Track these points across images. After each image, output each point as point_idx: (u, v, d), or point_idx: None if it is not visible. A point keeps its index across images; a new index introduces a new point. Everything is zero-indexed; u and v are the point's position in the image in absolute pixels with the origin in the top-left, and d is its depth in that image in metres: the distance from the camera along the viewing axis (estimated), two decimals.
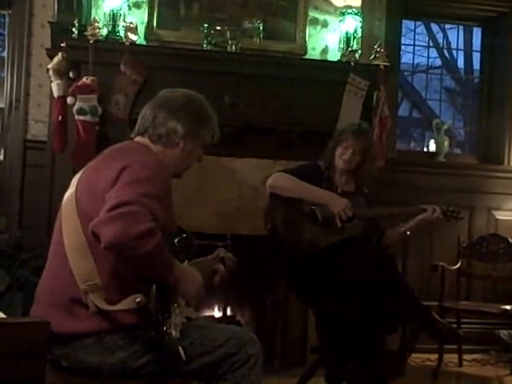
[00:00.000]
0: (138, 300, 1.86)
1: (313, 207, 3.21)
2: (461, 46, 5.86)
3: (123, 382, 1.96)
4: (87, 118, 3.83)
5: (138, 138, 2.15)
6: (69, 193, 2.04)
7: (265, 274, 3.96)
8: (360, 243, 3.17)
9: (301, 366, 3.78)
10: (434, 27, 5.98)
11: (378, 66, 4.23)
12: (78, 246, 1.93)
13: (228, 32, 4.14)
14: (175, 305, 1.93)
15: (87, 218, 1.87)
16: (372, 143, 3.47)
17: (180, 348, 1.90)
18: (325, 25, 4.44)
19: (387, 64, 4.26)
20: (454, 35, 5.60)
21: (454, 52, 5.93)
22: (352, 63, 4.21)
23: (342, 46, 4.35)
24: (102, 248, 1.79)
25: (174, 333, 1.89)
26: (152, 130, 2.10)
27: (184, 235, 2.14)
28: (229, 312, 4.11)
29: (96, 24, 3.89)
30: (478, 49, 5.37)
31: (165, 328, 1.87)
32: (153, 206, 1.84)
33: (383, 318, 2.98)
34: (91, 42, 3.83)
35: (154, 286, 1.87)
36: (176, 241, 2.10)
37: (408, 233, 3.45)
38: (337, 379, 3.19)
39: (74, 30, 3.87)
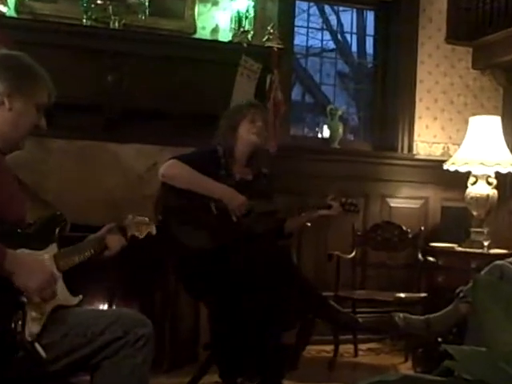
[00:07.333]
0: None
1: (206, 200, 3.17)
2: (354, 29, 5.99)
3: None
4: None
5: None
6: None
7: (153, 265, 3.90)
8: (255, 238, 3.15)
9: (192, 363, 3.76)
10: (327, 9, 6.09)
11: (272, 47, 4.25)
12: None
13: (110, 7, 4.00)
14: (24, 299, 1.85)
15: None
16: None
17: (37, 345, 1.81)
18: (215, 3, 4.42)
19: (281, 46, 4.29)
20: (348, 18, 5.73)
21: (348, 36, 6.06)
22: (244, 44, 4.21)
23: (233, 26, 4.33)
24: None
25: (27, 332, 1.81)
26: None
27: (43, 220, 2.08)
28: (114, 307, 4.02)
29: None
30: (372, 33, 5.52)
31: (15, 327, 1.78)
32: None
33: (280, 315, 2.99)
34: None
35: None
36: (33, 227, 2.03)
37: (308, 224, 3.54)
38: (231, 376, 3.18)
39: None
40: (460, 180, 4.76)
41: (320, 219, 3.41)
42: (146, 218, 2.34)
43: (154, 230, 2.35)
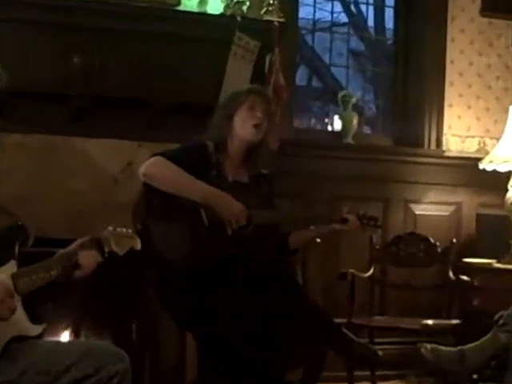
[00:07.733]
0: None
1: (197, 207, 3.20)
2: None
3: None
4: None
5: None
6: None
7: (130, 285, 3.93)
8: (253, 256, 3.17)
9: None
10: None
11: (271, 22, 4.29)
12: None
13: None
14: None
15: None
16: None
17: None
18: None
19: (282, 20, 4.32)
20: None
21: (363, 7, 6.09)
22: (238, 18, 4.24)
23: None
24: None
25: None
26: None
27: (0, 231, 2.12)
28: (83, 337, 4.05)
29: None
30: (392, 4, 5.55)
31: None
32: None
33: (284, 348, 3.01)
34: None
35: None
36: None
37: (318, 240, 3.57)
38: None
39: None
40: (499, 182, 4.81)
41: (331, 235, 3.43)
42: (129, 230, 2.37)
43: (138, 245, 2.38)
